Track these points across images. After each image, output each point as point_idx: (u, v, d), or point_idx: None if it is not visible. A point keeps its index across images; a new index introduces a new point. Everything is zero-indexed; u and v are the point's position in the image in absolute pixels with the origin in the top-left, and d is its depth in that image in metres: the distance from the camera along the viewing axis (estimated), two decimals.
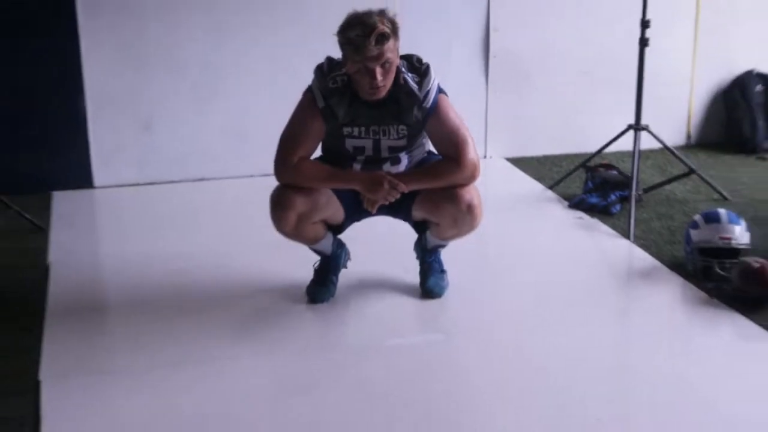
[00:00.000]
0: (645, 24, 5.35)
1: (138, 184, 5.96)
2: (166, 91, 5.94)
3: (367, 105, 4.00)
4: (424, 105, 3.99)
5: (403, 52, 4.01)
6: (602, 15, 6.34)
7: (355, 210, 4.20)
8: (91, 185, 5.91)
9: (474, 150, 4.06)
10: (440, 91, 4.06)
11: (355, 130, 4.06)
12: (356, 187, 4.06)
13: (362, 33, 3.79)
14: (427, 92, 3.99)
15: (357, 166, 4.13)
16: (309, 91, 4.05)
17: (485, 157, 6.25)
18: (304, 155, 4.06)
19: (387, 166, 4.13)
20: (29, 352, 3.86)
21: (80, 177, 5.88)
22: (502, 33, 6.33)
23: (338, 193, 4.14)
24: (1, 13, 5.56)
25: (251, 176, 5.77)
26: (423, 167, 4.17)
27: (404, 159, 4.15)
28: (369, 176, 4.04)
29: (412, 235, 4.39)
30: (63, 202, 5.66)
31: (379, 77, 3.86)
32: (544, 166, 6.20)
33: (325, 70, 4.02)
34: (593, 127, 6.09)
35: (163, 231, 5.27)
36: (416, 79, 4.00)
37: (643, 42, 5.38)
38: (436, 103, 4.02)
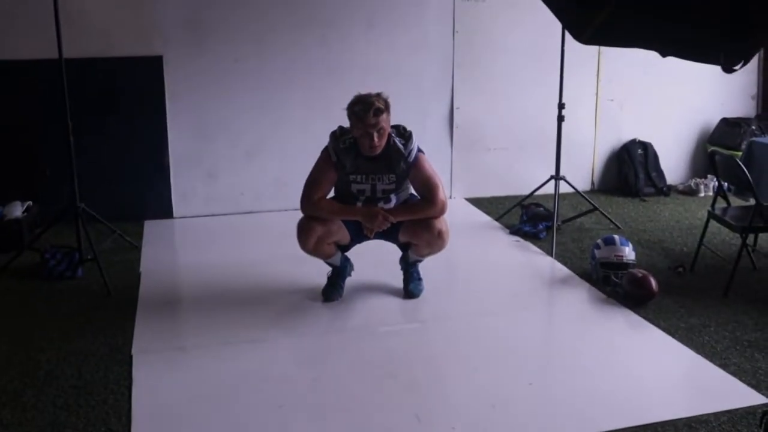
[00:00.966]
0: (561, 106, 5.37)
1: (204, 216, 5.93)
2: (225, 150, 5.92)
3: (367, 159, 4.01)
4: (408, 159, 4.00)
5: (393, 122, 4.04)
6: (533, 98, 6.34)
7: (358, 235, 4.19)
8: (171, 216, 5.89)
9: (443, 193, 4.08)
10: (419, 150, 4.08)
11: (359, 177, 4.06)
12: (359, 218, 4.06)
13: (364, 108, 3.85)
14: (410, 151, 4.01)
15: (359, 204, 4.12)
16: (326, 150, 4.07)
17: (451, 197, 6.24)
18: (322, 195, 4.06)
19: (381, 204, 4.11)
20: (125, 334, 3.87)
21: (164, 210, 5.87)
22: (463, 110, 6.34)
23: (346, 222, 4.13)
24: (119, 96, 5.61)
25: (286, 210, 5.70)
26: (407, 205, 4.16)
27: (393, 198, 4.14)
28: (369, 210, 4.05)
29: (398, 253, 4.38)
30: (152, 228, 5.65)
31: (375, 140, 3.90)
32: (493, 204, 6.20)
33: (338, 134, 4.05)
34: (526, 177, 6.10)
35: (222, 248, 5.25)
36: (402, 142, 4.02)
37: (560, 118, 5.39)
38: (416, 159, 4.04)
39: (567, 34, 5.08)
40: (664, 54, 1.96)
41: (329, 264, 4.31)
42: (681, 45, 1.78)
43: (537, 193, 5.80)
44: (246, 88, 5.85)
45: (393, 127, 4.05)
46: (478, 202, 6.28)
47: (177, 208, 5.89)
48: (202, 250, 5.25)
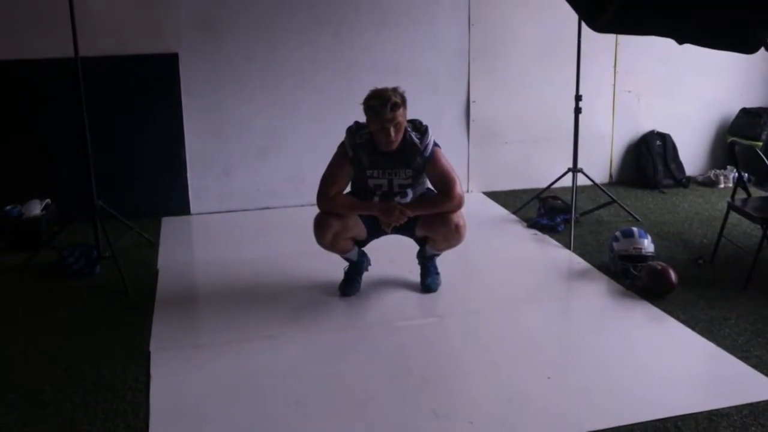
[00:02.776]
0: (578, 98, 5.34)
1: (220, 212, 5.93)
2: (240, 146, 5.92)
3: (383, 154, 4.01)
4: (424, 154, 4.00)
5: (409, 117, 4.03)
6: (549, 91, 6.29)
7: (375, 230, 4.18)
8: (188, 213, 5.90)
9: (460, 187, 4.08)
10: (435, 144, 4.07)
11: (376, 173, 4.06)
12: (376, 213, 4.05)
13: (380, 103, 3.85)
14: (426, 145, 4.00)
15: (376, 199, 4.11)
16: (342, 145, 4.06)
17: (468, 191, 6.21)
18: (338, 191, 4.06)
19: (398, 198, 4.11)
20: (143, 331, 3.88)
21: (181, 207, 5.87)
22: (479, 104, 6.30)
23: (363, 217, 4.12)
24: (135, 94, 5.62)
25: (302, 206, 5.73)
26: (423, 200, 4.15)
27: (410, 193, 4.13)
28: (385, 205, 4.04)
29: (415, 248, 4.36)
30: (169, 224, 5.66)
31: (392, 135, 3.90)
32: (510, 198, 6.17)
33: (354, 129, 4.05)
34: (544, 170, 6.07)
35: (238, 244, 5.25)
36: (418, 137, 4.01)
37: (578, 110, 5.37)
38: (432, 153, 4.03)
39: (583, 25, 5.10)
40: (680, 41, 1.93)
41: (346, 259, 4.30)
42: (699, 30, 1.74)
43: (554, 185, 5.77)
44: (260, 86, 5.84)
45: (409, 121, 4.04)
46: (495, 196, 6.25)
47: (194, 204, 5.89)
48: (219, 246, 5.26)
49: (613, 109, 6.57)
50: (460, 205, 4.07)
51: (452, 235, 4.10)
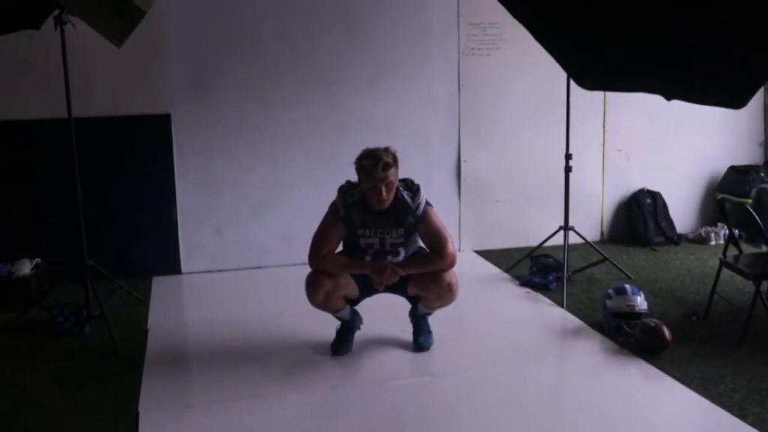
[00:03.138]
0: (568, 156, 5.38)
1: (212, 271, 5.92)
2: (232, 206, 5.94)
3: (375, 214, 4.01)
4: (416, 213, 4.00)
5: (401, 176, 4.06)
6: (539, 150, 6.35)
7: (367, 289, 4.16)
8: (179, 272, 5.88)
9: (452, 245, 4.09)
10: (427, 203, 4.08)
11: (367, 232, 4.05)
12: (368, 272, 4.04)
13: (372, 162, 3.87)
14: (418, 204, 4.01)
15: (368, 258, 4.09)
16: (333, 204, 4.07)
17: (460, 250, 6.21)
18: (330, 250, 4.06)
19: (390, 257, 4.10)
20: (132, 390, 3.83)
21: (172, 266, 5.86)
22: (470, 162, 6.35)
23: (354, 276, 4.11)
24: (127, 154, 5.65)
25: (294, 264, 5.69)
26: (416, 259, 4.14)
27: (402, 252, 4.12)
28: (377, 264, 4.03)
29: (407, 306, 4.34)
30: (160, 284, 5.64)
31: (384, 194, 3.91)
32: (502, 256, 6.17)
33: (346, 188, 4.06)
34: (535, 228, 6.08)
35: (229, 304, 5.22)
36: (410, 195, 4.03)
37: (568, 169, 5.40)
38: (424, 212, 4.04)
39: (572, 84, 5.17)
40: (669, 97, 1.96)
41: (338, 318, 4.28)
42: (687, 85, 1.77)
43: (546, 244, 5.77)
44: (253, 144, 5.89)
45: (401, 180, 4.06)
46: (487, 254, 6.25)
47: (185, 263, 5.88)
48: (210, 306, 5.22)
49: (603, 167, 6.62)
50: (452, 264, 4.06)
51: (445, 293, 4.09)
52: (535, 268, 5.57)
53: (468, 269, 5.62)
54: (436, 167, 6.24)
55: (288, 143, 5.92)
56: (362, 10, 5.92)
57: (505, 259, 6.05)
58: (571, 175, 5.42)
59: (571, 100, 5.28)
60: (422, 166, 5.94)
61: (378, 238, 4.06)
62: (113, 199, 5.64)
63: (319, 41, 5.87)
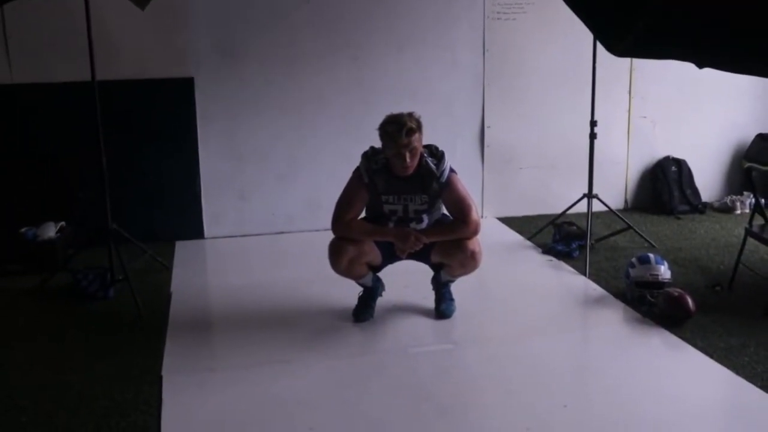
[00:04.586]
0: (593, 123, 5.32)
1: (235, 236, 5.93)
2: (256, 171, 5.94)
3: (399, 180, 3.99)
4: (440, 180, 3.97)
5: (425, 142, 4.02)
6: (564, 117, 6.28)
7: (390, 256, 4.16)
8: (203, 236, 5.90)
9: (476, 213, 4.07)
10: (452, 170, 4.05)
11: (391, 198, 4.04)
12: (391, 239, 4.03)
13: (396, 128, 3.83)
14: (443, 171, 3.98)
15: (391, 224, 4.08)
16: (357, 170, 4.06)
17: (483, 217, 6.19)
18: (354, 216, 4.05)
19: (413, 224, 4.08)
20: (155, 355, 3.86)
21: (195, 231, 5.87)
22: (494, 129, 6.30)
23: (378, 243, 4.11)
24: (151, 118, 5.64)
25: (317, 230, 5.64)
26: (439, 226, 4.13)
27: (425, 219, 4.10)
28: (401, 231, 4.02)
29: (429, 273, 4.33)
30: (183, 248, 5.66)
31: (407, 160, 3.87)
32: (525, 224, 6.14)
33: (369, 155, 4.03)
34: (559, 196, 6.04)
35: (253, 269, 5.24)
36: (434, 162, 3.99)
37: (592, 136, 5.34)
38: (449, 179, 4.01)
39: (598, 50, 5.10)
40: (701, 65, 1.90)
41: (360, 284, 4.28)
42: (724, 53, 1.71)
43: (570, 211, 5.73)
44: (278, 111, 5.86)
45: (425, 146, 4.02)
46: (510, 222, 6.23)
47: (208, 228, 5.89)
48: (233, 270, 5.24)
49: (628, 134, 6.55)
50: (476, 232, 4.04)
51: (468, 261, 4.08)
52: (558, 236, 5.53)
53: (491, 236, 5.61)
54: (460, 134, 6.20)
55: (313, 110, 5.90)
56: None
57: (528, 227, 6.02)
58: (596, 142, 5.35)
59: (597, 66, 5.19)
60: (446, 133, 5.89)
61: (401, 205, 4.04)
62: (137, 163, 5.65)
63: (345, 7, 5.82)
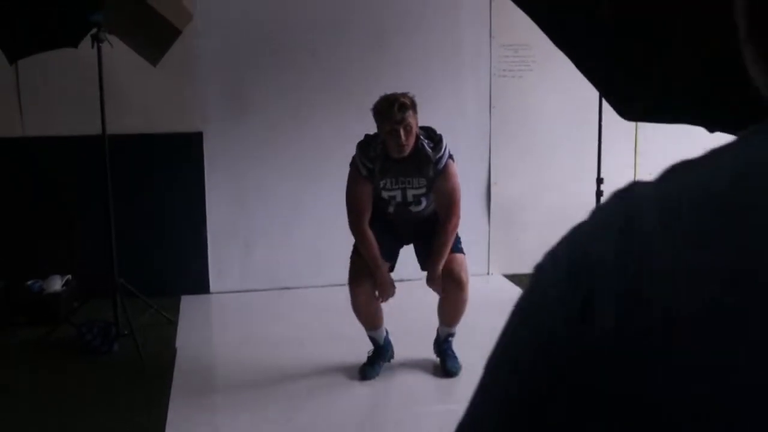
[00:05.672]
0: (599, 181, 5.32)
1: (240, 291, 5.88)
2: (263, 222, 5.90)
3: (396, 164, 3.99)
4: (437, 167, 3.99)
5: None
6: (571, 173, 6.23)
7: (390, 254, 4.20)
8: (208, 291, 5.86)
9: (458, 211, 4.06)
10: (450, 156, 4.05)
11: (388, 183, 4.05)
12: (375, 278, 4.03)
13: (388, 104, 3.88)
14: (439, 158, 3.99)
15: (391, 209, 4.11)
16: (353, 163, 4.08)
17: (488, 273, 6.16)
18: (367, 211, 4.05)
19: (412, 207, 4.11)
20: (159, 412, 3.80)
21: (201, 285, 5.83)
22: (500, 186, 6.30)
23: (382, 248, 4.10)
24: (159, 172, 5.65)
25: (323, 286, 5.62)
26: (435, 248, 4.07)
27: (424, 201, 4.12)
28: (383, 279, 4.03)
29: (434, 333, 4.29)
30: (188, 303, 5.62)
31: (402, 137, 3.86)
32: None
33: (364, 144, 4.06)
34: None
35: (258, 325, 5.19)
36: (431, 145, 4.00)
37: (599, 193, 5.34)
38: (445, 167, 4.01)
39: (604, 107, 5.12)
40: (711, 130, 1.90)
41: (372, 338, 4.25)
42: (733, 121, 1.71)
43: None
44: (285, 159, 5.86)
45: (423, 129, 4.03)
46: (517, 279, 6.18)
47: (214, 283, 5.86)
48: (239, 326, 5.21)
49: None
50: (455, 226, 4.04)
51: (455, 287, 4.06)
52: None
53: (497, 294, 5.55)
54: (466, 189, 5.85)
55: (320, 158, 5.86)
56: (393, 28, 5.88)
57: None
58: (603, 199, 5.32)
59: (602, 122, 5.22)
60: None
61: (400, 189, 4.05)
62: (144, 217, 5.64)
63: (350, 58, 5.85)
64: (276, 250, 5.94)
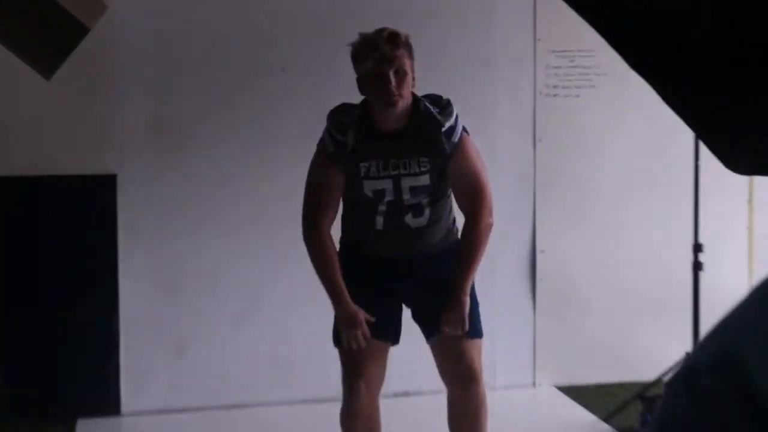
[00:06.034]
0: (697, 247, 5.32)
1: (168, 411, 5.81)
2: (202, 314, 5.87)
3: (385, 138, 4.00)
4: (451, 139, 3.99)
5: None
6: (653, 237, 6.27)
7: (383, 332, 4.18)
8: (118, 412, 5.76)
9: (490, 201, 4.13)
10: (464, 129, 4.09)
11: (373, 166, 4.01)
12: (335, 312, 4.07)
13: (375, 35, 3.89)
14: (452, 126, 4.00)
15: (380, 219, 4.08)
16: (321, 141, 4.09)
17: (533, 385, 6.12)
18: (330, 217, 4.10)
19: (409, 218, 4.07)
20: None
21: (108, 403, 5.73)
22: (549, 255, 6.27)
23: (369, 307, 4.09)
24: (52, 231, 5.66)
25: (290, 404, 5.61)
26: (458, 262, 4.11)
27: (427, 211, 4.10)
28: (350, 313, 4.01)
29: None
30: (86, 430, 5.54)
31: (393, 83, 3.85)
32: (597, 396, 6.05)
33: (340, 108, 4.09)
34: (648, 353, 5.94)
35: None
36: (437, 110, 4.02)
37: (697, 265, 5.34)
38: (461, 140, 4.03)
39: (702, 145, 5.15)
40: None
41: None
42: None
43: (666, 378, 5.68)
44: (235, 221, 5.85)
45: (424, 96, 4.06)
46: (575, 393, 6.14)
47: (126, 399, 5.78)
48: None
49: (750, 262, 6.51)
50: (490, 222, 4.11)
51: (465, 377, 4.12)
52: (650, 417, 5.46)
53: (547, 413, 5.55)
54: (500, 260, 6.06)
55: (285, 218, 5.54)
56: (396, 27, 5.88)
57: (603, 401, 5.93)
58: (703, 274, 5.34)
59: (700, 163, 5.26)
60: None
61: (390, 178, 4.01)
62: (26, 299, 5.61)
63: (336, 76, 5.59)
64: (221, 353, 5.90)
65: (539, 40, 6.15)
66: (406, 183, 4.03)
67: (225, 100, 5.83)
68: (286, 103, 5.86)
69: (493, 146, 6.06)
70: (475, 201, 4.08)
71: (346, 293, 4.04)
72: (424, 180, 4.03)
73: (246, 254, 5.93)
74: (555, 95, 6.22)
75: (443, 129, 3.96)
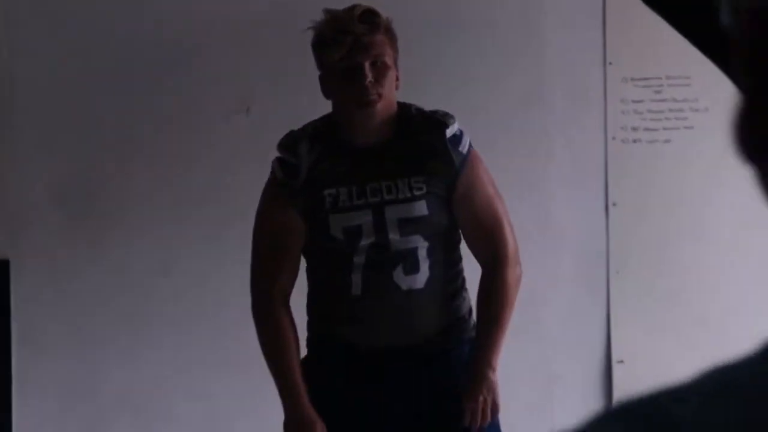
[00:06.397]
0: None
1: None
2: None
3: (360, 153, 3.62)
4: (458, 148, 3.64)
5: None
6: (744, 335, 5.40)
7: None
8: None
9: (515, 242, 3.77)
10: (470, 146, 3.84)
11: (342, 194, 3.61)
12: (285, 416, 3.70)
13: (345, 13, 3.64)
14: (458, 134, 3.63)
15: (356, 277, 3.60)
16: (272, 172, 3.77)
17: None
18: (286, 282, 3.70)
19: (399, 275, 3.57)
20: None
21: None
22: (631, 366, 5.51)
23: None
24: None
25: None
26: (483, 328, 3.73)
27: (424, 264, 3.60)
28: (304, 420, 3.67)
29: None
30: None
31: (369, 76, 3.53)
32: None
33: (289, 132, 3.78)
34: None
35: None
36: (430, 113, 3.85)
37: None
38: (470, 154, 3.68)
39: None
40: None
41: None
42: None
43: None
44: (174, 323, 5.37)
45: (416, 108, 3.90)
46: None
47: None
48: None
49: None
50: (518, 276, 3.77)
51: None
52: None
53: None
54: (561, 370, 5.59)
55: (238, 316, 5.08)
56: (410, 47, 5.03)
57: None
58: None
59: None
60: (530, 370, 5.28)
61: (369, 207, 3.59)
62: None
63: (319, 109, 5.12)
64: None
65: (610, 64, 5.55)
66: (393, 214, 3.61)
67: (164, 154, 5.49)
68: (247, 160, 5.34)
69: (547, 214, 5.60)
70: (495, 242, 3.71)
71: (304, 392, 3.69)
72: (420, 209, 3.62)
73: (193, 372, 5.36)
74: (635, 140, 5.58)
75: (447, 134, 3.61)
